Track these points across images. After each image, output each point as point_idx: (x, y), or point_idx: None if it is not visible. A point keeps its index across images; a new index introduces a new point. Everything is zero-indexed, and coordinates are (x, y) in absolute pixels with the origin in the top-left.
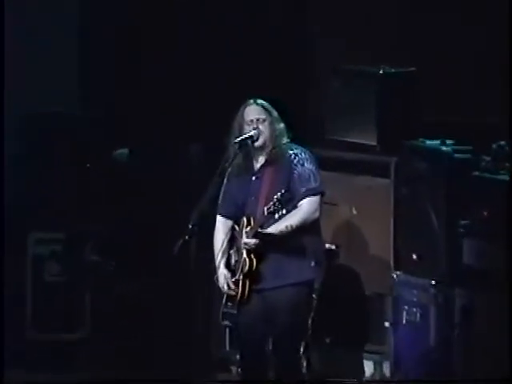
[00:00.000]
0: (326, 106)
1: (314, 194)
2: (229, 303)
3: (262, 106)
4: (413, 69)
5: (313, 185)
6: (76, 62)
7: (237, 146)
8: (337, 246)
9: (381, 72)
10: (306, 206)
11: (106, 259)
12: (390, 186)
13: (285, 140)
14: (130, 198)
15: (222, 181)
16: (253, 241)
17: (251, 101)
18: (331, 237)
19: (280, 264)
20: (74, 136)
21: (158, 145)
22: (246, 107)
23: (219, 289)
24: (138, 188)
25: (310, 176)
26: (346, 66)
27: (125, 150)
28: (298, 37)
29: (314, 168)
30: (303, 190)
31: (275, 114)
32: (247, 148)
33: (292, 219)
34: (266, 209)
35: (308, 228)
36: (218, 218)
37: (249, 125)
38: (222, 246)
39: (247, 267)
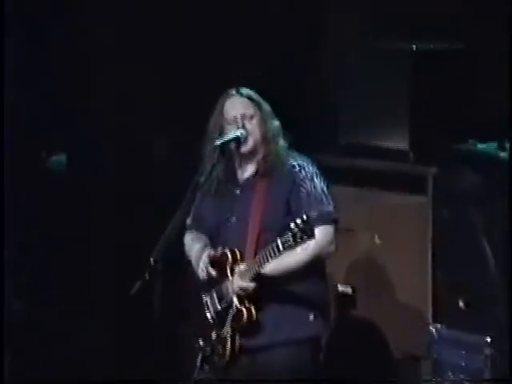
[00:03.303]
0: (340, 98)
1: (327, 221)
2: (205, 366)
3: (249, 98)
4: (459, 45)
5: (326, 208)
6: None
7: (217, 152)
8: (353, 290)
9: (414, 49)
10: (320, 237)
11: (36, 301)
12: (427, 206)
13: (282, 143)
14: (70, 218)
15: (195, 198)
16: (251, 285)
17: (233, 91)
18: (346, 276)
19: (274, 315)
20: None
21: (108, 148)
22: (226, 100)
23: (191, 345)
24: (80, 205)
25: (322, 196)
26: (366, 42)
27: (62, 157)
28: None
29: (324, 186)
30: (314, 214)
31: (267, 108)
32: (229, 154)
33: (302, 253)
34: (280, 241)
35: (310, 267)
36: (189, 233)
37: (230, 124)
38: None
39: (245, 318)
